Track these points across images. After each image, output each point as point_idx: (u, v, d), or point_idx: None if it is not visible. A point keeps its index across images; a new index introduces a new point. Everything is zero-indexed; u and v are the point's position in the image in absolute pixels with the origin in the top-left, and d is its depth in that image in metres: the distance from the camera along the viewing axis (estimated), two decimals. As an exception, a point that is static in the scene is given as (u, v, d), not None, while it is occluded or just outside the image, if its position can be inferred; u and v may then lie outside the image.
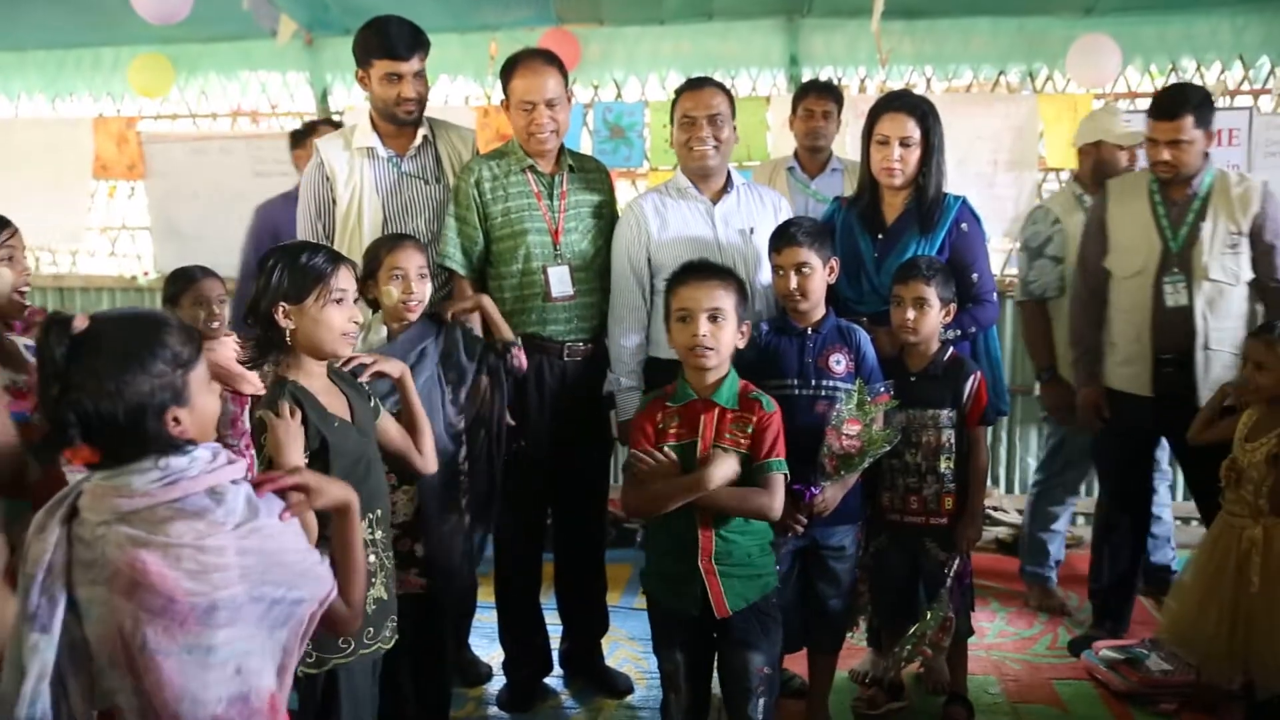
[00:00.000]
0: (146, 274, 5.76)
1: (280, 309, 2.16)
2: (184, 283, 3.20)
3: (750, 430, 2.56)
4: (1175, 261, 3.36)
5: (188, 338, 1.60)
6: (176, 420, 1.56)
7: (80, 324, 1.54)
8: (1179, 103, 3.31)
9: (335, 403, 2.25)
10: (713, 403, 2.58)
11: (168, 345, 1.56)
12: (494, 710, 3.31)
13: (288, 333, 2.17)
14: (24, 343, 2.49)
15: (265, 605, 1.55)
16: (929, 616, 2.99)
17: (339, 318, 2.20)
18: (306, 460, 2.11)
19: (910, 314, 2.96)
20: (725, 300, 2.59)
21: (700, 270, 2.68)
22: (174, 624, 1.48)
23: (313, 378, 2.22)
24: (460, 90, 5.51)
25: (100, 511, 1.52)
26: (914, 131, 3.06)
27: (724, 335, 2.58)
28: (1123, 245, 3.46)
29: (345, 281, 2.23)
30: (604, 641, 3.52)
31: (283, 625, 1.58)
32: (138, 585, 1.47)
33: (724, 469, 2.50)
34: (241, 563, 1.52)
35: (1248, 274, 3.35)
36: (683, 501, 2.50)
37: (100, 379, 1.51)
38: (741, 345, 2.66)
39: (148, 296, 5.66)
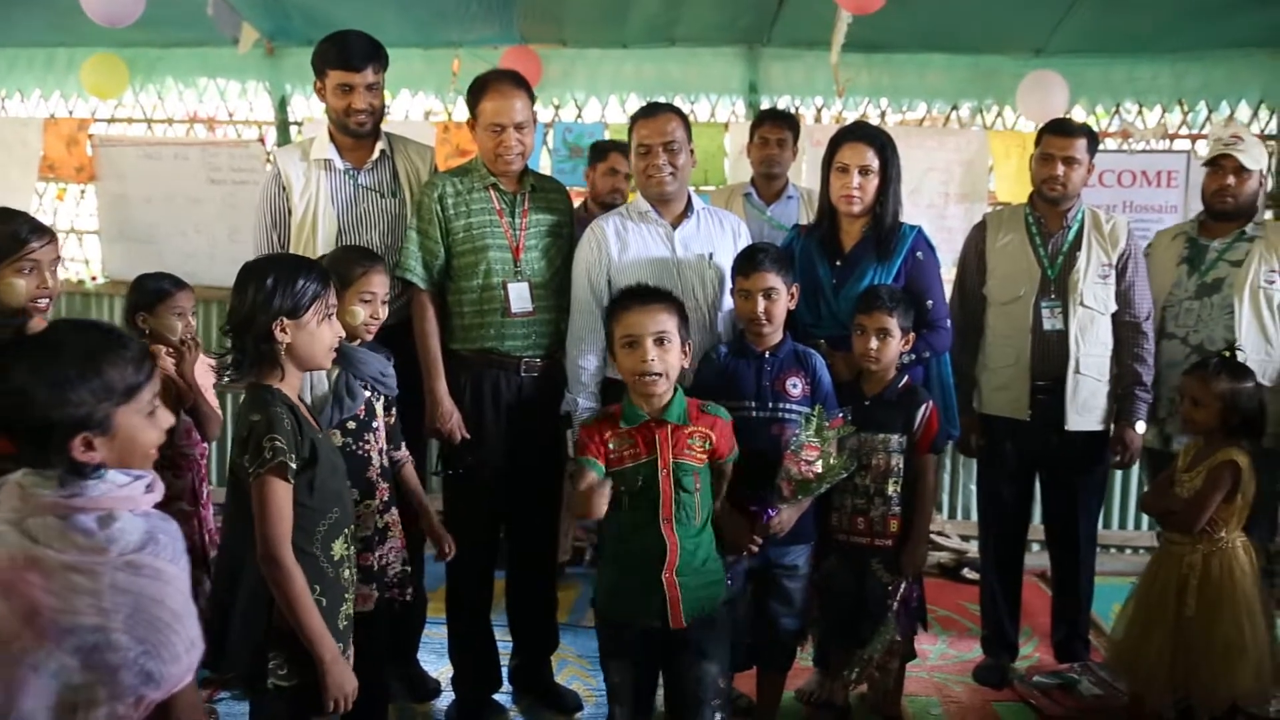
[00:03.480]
0: (95, 279, 5.68)
1: (279, 324, 2.16)
2: (159, 294, 3.20)
3: (710, 446, 2.64)
4: (1052, 288, 3.50)
5: (135, 370, 1.57)
6: (89, 445, 1.52)
7: (37, 325, 1.54)
8: (1076, 125, 3.59)
9: (308, 416, 2.27)
10: (664, 421, 2.62)
11: (101, 375, 1.53)
12: (442, 725, 3.31)
13: (282, 347, 2.17)
14: None
15: (122, 655, 1.46)
16: (876, 639, 3.05)
17: (330, 333, 2.24)
18: (297, 468, 2.12)
19: (874, 344, 3.03)
20: (669, 323, 2.64)
21: (643, 295, 2.72)
22: (30, 634, 1.44)
23: (292, 389, 2.23)
24: (421, 105, 5.51)
25: (9, 509, 1.51)
26: (873, 161, 3.14)
27: (670, 358, 2.63)
28: (1002, 272, 3.60)
29: (333, 298, 2.26)
30: (553, 659, 3.53)
31: (114, 699, 1.47)
32: (13, 589, 1.45)
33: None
34: (112, 598, 1.46)
35: (1113, 305, 3.51)
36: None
37: (19, 384, 1.50)
38: (686, 365, 2.71)
39: (94, 301, 5.58)
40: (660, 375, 2.59)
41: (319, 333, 2.21)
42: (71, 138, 5.54)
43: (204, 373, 3.12)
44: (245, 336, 2.18)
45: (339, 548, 2.25)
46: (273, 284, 2.16)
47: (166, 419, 1.65)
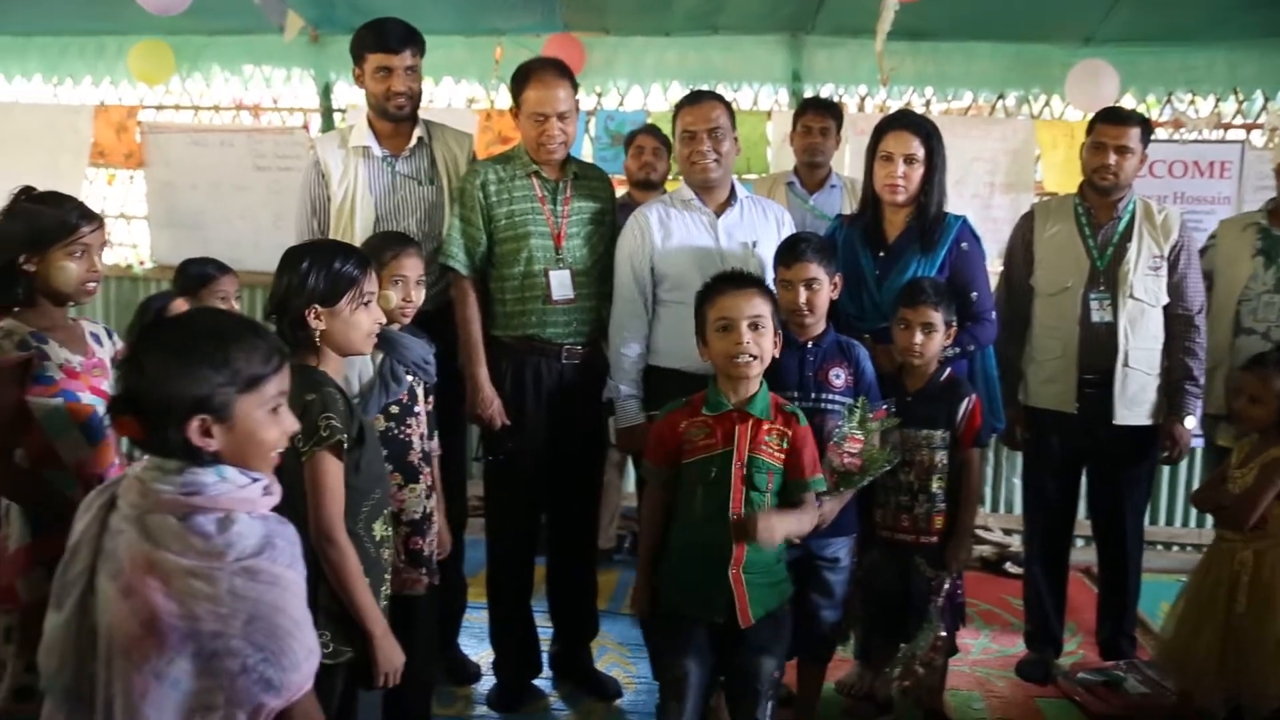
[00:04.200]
0: (143, 263, 5.76)
1: (313, 311, 2.18)
2: (203, 279, 3.23)
3: (787, 444, 2.61)
4: (1101, 279, 3.45)
5: (263, 361, 1.56)
6: (206, 431, 1.50)
7: (177, 307, 1.55)
8: (1130, 114, 3.51)
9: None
10: (748, 414, 2.61)
11: (227, 358, 1.52)
12: (483, 710, 3.33)
13: (317, 333, 2.19)
14: (90, 330, 2.54)
15: (241, 662, 1.44)
16: (920, 635, 3.02)
17: (367, 320, 2.25)
18: (347, 447, 2.14)
19: (918, 338, 2.99)
20: (764, 308, 2.64)
21: (738, 280, 2.71)
22: (150, 639, 1.43)
23: (336, 373, 2.26)
24: (464, 93, 5.53)
25: (128, 505, 1.51)
26: (918, 149, 3.11)
27: (765, 343, 2.62)
28: (1049, 263, 3.54)
29: (372, 284, 2.27)
30: (593, 645, 3.54)
31: (234, 705, 1.45)
32: (133, 591, 1.45)
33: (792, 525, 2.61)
34: (230, 604, 1.44)
35: (1165, 298, 3.45)
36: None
37: (151, 362, 1.50)
38: (777, 354, 2.69)
39: (142, 285, 5.65)
40: (755, 359, 2.59)
41: (354, 319, 2.22)
42: (121, 125, 5.62)
43: None
44: (282, 321, 2.21)
45: (379, 529, 2.28)
46: (307, 270, 2.18)
47: (291, 422, 1.63)
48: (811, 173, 4.22)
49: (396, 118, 3.32)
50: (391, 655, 2.19)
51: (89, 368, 2.45)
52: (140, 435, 1.53)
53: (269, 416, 1.57)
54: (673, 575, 2.71)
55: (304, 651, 1.51)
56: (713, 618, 2.60)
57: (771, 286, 3.08)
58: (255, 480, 1.55)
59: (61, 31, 5.46)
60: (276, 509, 1.59)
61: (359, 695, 2.22)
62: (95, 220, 2.45)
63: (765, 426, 2.61)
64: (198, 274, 3.33)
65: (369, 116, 3.38)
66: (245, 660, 1.44)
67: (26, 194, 2.42)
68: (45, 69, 5.62)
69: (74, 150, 5.59)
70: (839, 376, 2.93)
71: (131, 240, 5.92)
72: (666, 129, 3.69)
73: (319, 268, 2.19)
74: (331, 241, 2.69)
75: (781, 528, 2.56)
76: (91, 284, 2.44)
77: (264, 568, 1.48)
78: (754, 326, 2.61)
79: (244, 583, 1.45)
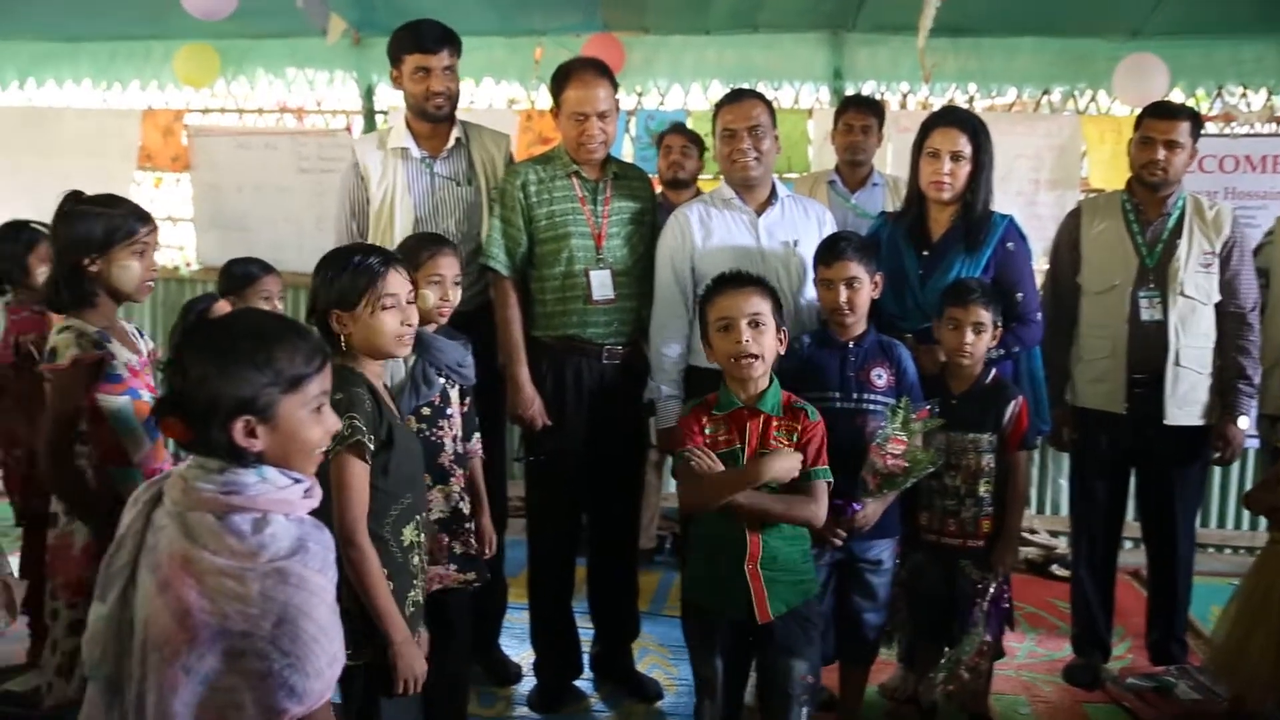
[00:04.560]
0: (189, 265, 5.84)
1: (334, 316, 2.20)
2: (246, 278, 3.27)
3: (795, 438, 2.58)
4: (1151, 277, 3.39)
5: (305, 361, 1.55)
6: (250, 431, 1.50)
7: (220, 308, 1.58)
8: (1180, 107, 3.45)
9: (389, 402, 2.30)
10: (758, 410, 2.60)
11: (270, 358, 1.52)
12: (523, 710, 3.33)
13: (341, 337, 2.21)
14: (132, 329, 2.60)
15: (264, 666, 1.44)
16: (966, 640, 2.98)
17: (391, 322, 2.22)
18: (374, 449, 2.14)
19: (969, 338, 2.95)
20: (763, 306, 2.62)
21: (736, 279, 2.71)
22: (183, 634, 1.44)
23: (375, 377, 2.26)
24: (504, 93, 5.54)
25: (171, 501, 1.53)
26: (965, 146, 3.07)
27: (766, 341, 2.60)
28: (1097, 261, 3.48)
29: (395, 286, 2.23)
30: (634, 647, 3.53)
31: (258, 706, 1.44)
32: (168, 586, 1.46)
33: (785, 461, 2.52)
34: (260, 605, 1.44)
35: (1217, 295, 3.39)
36: (741, 491, 2.51)
37: (195, 364, 1.51)
38: (781, 351, 2.68)
39: (188, 287, 5.72)
40: (756, 357, 2.57)
41: (374, 322, 2.20)
42: (167, 128, 5.70)
43: None
44: (316, 324, 2.22)
45: (409, 533, 2.27)
46: (326, 276, 2.21)
47: (333, 421, 1.63)
48: (853, 171, 4.19)
49: (435, 118, 3.33)
50: (412, 662, 2.18)
51: (143, 366, 2.52)
52: (185, 437, 1.54)
53: (312, 416, 1.57)
54: (696, 572, 2.71)
55: (326, 659, 1.49)
56: (734, 614, 2.58)
57: (811, 285, 3.08)
58: (297, 482, 1.56)
59: (110, 37, 5.55)
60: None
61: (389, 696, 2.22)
62: (151, 221, 2.53)
63: (775, 423, 2.60)
64: (242, 274, 3.37)
65: (407, 118, 3.40)
66: (271, 664, 1.43)
67: (76, 199, 2.47)
68: (94, 74, 5.70)
69: (122, 154, 5.68)
70: (881, 377, 2.91)
71: (178, 242, 6.01)
72: (706, 128, 3.68)
73: (335, 272, 2.21)
74: (355, 245, 2.68)
75: (773, 465, 2.51)
76: (149, 283, 2.51)
77: (295, 570, 1.47)
78: (754, 324, 2.59)
79: (274, 584, 1.45)
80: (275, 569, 1.46)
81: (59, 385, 2.38)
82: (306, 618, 1.45)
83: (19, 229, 3.35)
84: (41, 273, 3.17)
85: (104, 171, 5.55)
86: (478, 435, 2.90)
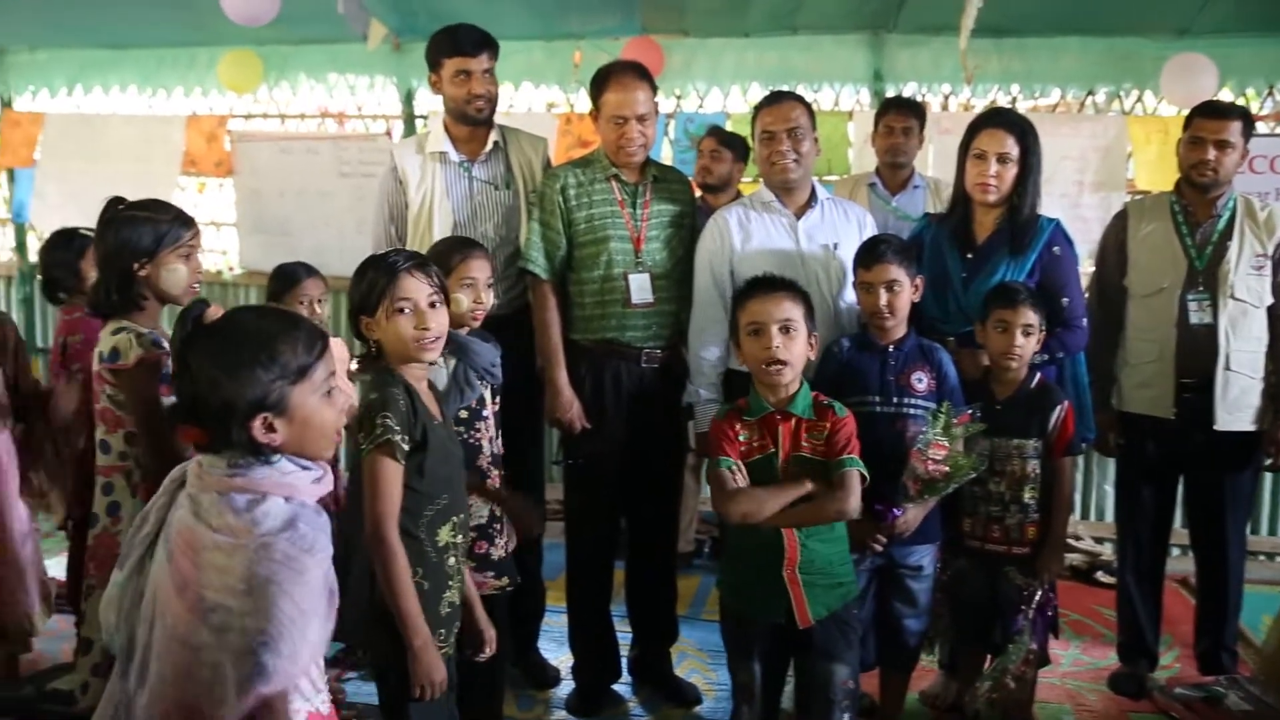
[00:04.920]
0: (231, 269, 5.90)
1: (362, 321, 2.25)
2: (288, 281, 3.31)
3: (824, 436, 2.57)
4: (1200, 279, 3.32)
5: (306, 350, 1.59)
6: (269, 427, 1.54)
7: (213, 313, 1.60)
8: (1231, 107, 3.40)
9: (432, 404, 2.31)
10: (789, 414, 2.59)
11: (278, 355, 1.55)
12: (561, 714, 3.34)
13: (372, 341, 2.25)
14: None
15: (242, 643, 1.46)
16: (1012, 649, 2.94)
17: (405, 326, 2.22)
18: (408, 449, 2.16)
19: (1019, 340, 2.92)
20: (795, 311, 2.61)
21: (768, 284, 2.70)
22: (184, 606, 1.49)
23: (416, 379, 2.28)
24: (543, 97, 5.55)
25: (189, 484, 1.59)
26: (1013, 149, 3.03)
27: (796, 347, 2.59)
28: (1144, 264, 3.42)
29: (409, 290, 2.22)
30: (672, 651, 3.52)
31: (239, 682, 1.46)
32: (173, 558, 1.53)
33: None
34: (245, 581, 1.47)
35: (1269, 298, 3.32)
36: (782, 506, 2.52)
37: (203, 370, 1.55)
38: (812, 357, 2.66)
39: (231, 290, 5.79)
40: (785, 364, 2.56)
41: (390, 326, 2.22)
42: (211, 134, 5.75)
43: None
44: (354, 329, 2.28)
45: (445, 534, 2.27)
46: (355, 280, 2.26)
47: (344, 398, 1.67)
48: (894, 173, 4.16)
49: (476, 121, 3.35)
50: (430, 668, 2.15)
51: None
52: (203, 439, 1.58)
53: (323, 400, 1.61)
54: (733, 577, 2.70)
55: (304, 644, 1.48)
56: (773, 619, 2.57)
57: (850, 289, 3.05)
58: (305, 469, 1.59)
59: (156, 44, 5.61)
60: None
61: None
62: (195, 225, 2.58)
63: (806, 425, 2.59)
64: (286, 276, 3.43)
65: (445, 122, 3.42)
66: (248, 640, 1.45)
67: (119, 205, 2.51)
68: (140, 80, 5.77)
69: (167, 159, 5.74)
70: (921, 380, 2.88)
71: (221, 247, 6.08)
72: (745, 131, 3.66)
73: (357, 278, 2.26)
74: (387, 252, 2.70)
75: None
76: (195, 286, 2.56)
77: (280, 547, 1.50)
78: (784, 330, 2.58)
79: (259, 560, 1.48)
80: (262, 544, 1.49)
81: (132, 384, 2.44)
82: (286, 597, 1.47)
83: (70, 236, 3.42)
84: (93, 278, 3.23)
85: (149, 176, 5.62)
86: (500, 434, 2.92)
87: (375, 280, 2.22)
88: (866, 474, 2.58)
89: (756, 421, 2.62)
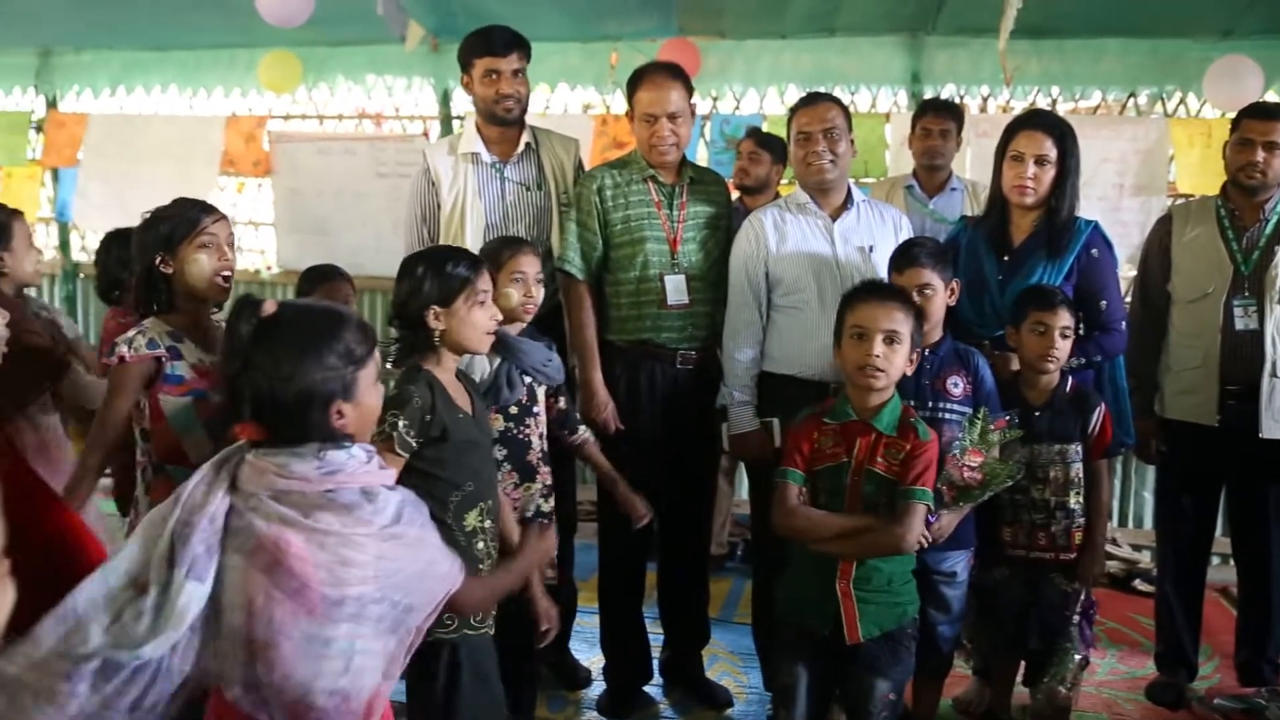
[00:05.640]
0: (270, 268, 5.96)
1: (432, 312, 2.30)
2: (317, 281, 3.34)
3: (901, 457, 2.52)
4: (1246, 284, 3.27)
5: (363, 336, 1.68)
6: (340, 414, 1.62)
7: (269, 308, 1.63)
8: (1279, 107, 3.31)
9: (460, 396, 2.38)
10: (871, 426, 2.55)
11: (344, 340, 1.64)
12: (592, 715, 3.34)
13: (436, 333, 2.31)
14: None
15: (387, 607, 1.60)
16: (1065, 657, 2.90)
17: (483, 318, 2.35)
18: (419, 445, 2.25)
19: (1058, 343, 2.89)
20: (904, 324, 2.56)
21: (882, 290, 2.66)
22: (301, 609, 1.52)
23: (445, 371, 2.36)
24: (579, 99, 5.56)
25: (256, 485, 1.58)
26: (1050, 150, 3.00)
27: (897, 359, 2.55)
28: (1188, 269, 3.37)
29: (485, 284, 2.37)
30: (704, 653, 3.51)
31: (393, 631, 1.63)
32: (277, 564, 1.52)
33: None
34: (377, 565, 1.58)
35: None
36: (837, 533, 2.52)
37: (278, 362, 1.59)
38: (909, 372, 2.62)
39: (268, 290, 5.84)
40: (882, 373, 2.53)
41: (470, 318, 2.34)
42: (250, 134, 5.81)
43: None
44: (404, 324, 2.34)
45: (472, 519, 2.34)
46: (423, 274, 2.32)
47: (382, 389, 1.76)
48: (931, 176, 4.13)
49: (505, 121, 3.36)
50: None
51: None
52: (263, 436, 1.61)
53: (374, 389, 1.71)
54: (787, 582, 2.68)
55: (440, 580, 1.70)
56: (820, 630, 2.55)
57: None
58: (370, 454, 1.68)
59: (197, 46, 5.68)
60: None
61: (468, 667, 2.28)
62: (216, 213, 2.51)
63: (886, 441, 2.54)
64: (316, 276, 3.46)
65: (477, 123, 3.43)
66: (393, 600, 1.60)
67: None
68: (181, 81, 5.85)
69: (206, 159, 5.80)
70: (957, 385, 2.85)
71: (259, 246, 6.14)
72: (782, 133, 3.65)
73: (432, 271, 2.32)
74: (445, 246, 2.78)
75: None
76: (223, 276, 2.49)
77: (402, 533, 1.62)
78: (889, 340, 2.53)
79: (388, 547, 1.59)
80: (389, 533, 1.60)
81: (112, 380, 2.45)
82: (419, 562, 1.64)
83: (125, 236, 3.45)
84: None
85: (188, 176, 5.69)
86: (582, 427, 3.03)
87: (457, 274, 2.32)
88: (933, 506, 2.56)
89: (837, 426, 2.59)
